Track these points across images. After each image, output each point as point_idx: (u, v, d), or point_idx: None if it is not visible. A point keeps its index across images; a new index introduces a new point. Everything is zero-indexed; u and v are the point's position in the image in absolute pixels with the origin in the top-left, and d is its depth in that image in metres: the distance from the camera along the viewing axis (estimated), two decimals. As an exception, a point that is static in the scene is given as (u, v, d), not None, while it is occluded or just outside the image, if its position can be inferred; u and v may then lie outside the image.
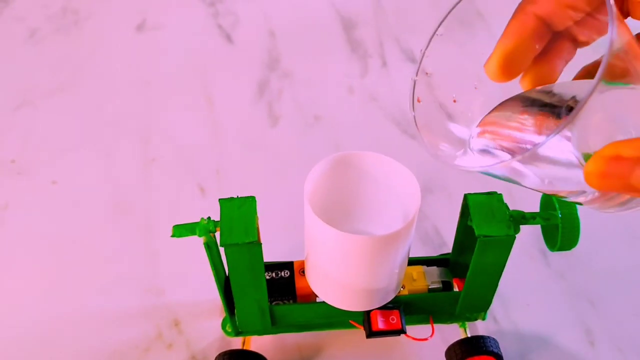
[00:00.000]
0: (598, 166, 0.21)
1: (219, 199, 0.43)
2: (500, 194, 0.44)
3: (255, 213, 0.42)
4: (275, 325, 0.47)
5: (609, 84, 0.22)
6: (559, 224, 0.42)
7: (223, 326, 0.50)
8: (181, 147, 0.69)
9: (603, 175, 0.21)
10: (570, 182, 0.25)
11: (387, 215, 0.45)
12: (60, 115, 0.72)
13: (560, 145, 0.23)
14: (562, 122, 0.21)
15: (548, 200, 0.44)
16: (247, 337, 0.49)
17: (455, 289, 0.49)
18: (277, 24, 0.83)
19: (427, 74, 0.32)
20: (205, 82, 0.76)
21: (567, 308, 0.54)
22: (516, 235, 0.41)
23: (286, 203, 0.61)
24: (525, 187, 0.27)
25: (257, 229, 0.42)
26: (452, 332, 0.51)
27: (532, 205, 0.47)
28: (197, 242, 0.54)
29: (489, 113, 0.33)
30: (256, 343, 0.50)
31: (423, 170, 0.69)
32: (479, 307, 0.48)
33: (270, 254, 0.51)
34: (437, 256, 0.50)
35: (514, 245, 0.43)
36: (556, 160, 0.24)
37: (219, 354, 0.47)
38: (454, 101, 0.33)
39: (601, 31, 0.27)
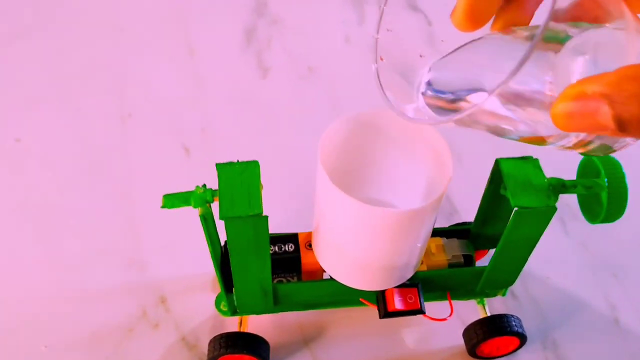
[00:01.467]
0: (563, 106, 0.21)
1: (217, 164, 0.37)
2: (537, 159, 0.38)
3: (259, 180, 0.36)
4: (277, 304, 0.42)
5: (577, 25, 0.22)
6: (604, 193, 0.37)
7: (217, 304, 0.44)
8: (161, 101, 0.62)
9: (569, 115, 0.20)
10: (549, 124, 0.22)
11: (408, 183, 0.40)
12: (21, 65, 0.64)
13: (535, 78, 0.22)
14: (529, 46, 0.20)
15: (588, 165, 0.39)
16: (244, 317, 0.44)
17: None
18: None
19: (387, 30, 0.31)
20: (185, 27, 0.69)
21: (589, 281, 0.50)
22: (544, 229, 0.37)
23: (282, 165, 0.55)
24: (507, 137, 0.25)
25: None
26: (469, 310, 0.46)
27: (566, 171, 0.42)
28: (184, 209, 0.48)
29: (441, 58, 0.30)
30: (253, 323, 0.45)
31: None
32: (502, 283, 0.43)
33: (270, 224, 0.45)
34: (456, 226, 0.45)
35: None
36: (532, 99, 0.23)
37: (214, 337, 0.41)
38: (421, 56, 0.31)
39: None
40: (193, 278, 0.49)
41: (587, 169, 0.39)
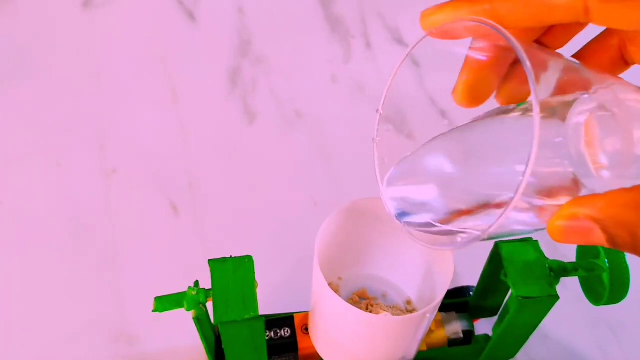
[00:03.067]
0: (559, 223, 0.21)
1: (209, 260, 0.36)
2: (536, 241, 0.38)
3: (254, 278, 0.35)
4: (275, 391, 0.41)
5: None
6: (604, 275, 0.37)
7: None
8: (145, 154, 0.60)
9: (564, 232, 0.21)
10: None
11: (407, 268, 0.39)
12: (-2, 118, 0.62)
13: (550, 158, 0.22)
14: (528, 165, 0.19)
15: (587, 246, 0.38)
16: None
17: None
18: None
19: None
20: (166, 70, 0.67)
21: (587, 337, 0.50)
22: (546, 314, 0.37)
23: (275, 223, 0.54)
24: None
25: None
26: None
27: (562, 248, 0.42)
28: (171, 275, 0.46)
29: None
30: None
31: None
32: (503, 358, 0.43)
33: (264, 300, 0.44)
34: (455, 300, 0.44)
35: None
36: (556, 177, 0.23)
37: None
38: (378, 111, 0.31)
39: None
40: (186, 351, 0.47)
41: (586, 248, 0.39)
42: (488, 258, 0.39)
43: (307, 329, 0.41)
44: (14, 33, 0.68)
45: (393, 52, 0.70)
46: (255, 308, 0.34)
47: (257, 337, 0.35)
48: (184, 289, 0.35)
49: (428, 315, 0.33)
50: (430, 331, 0.42)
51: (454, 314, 0.43)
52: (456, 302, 0.44)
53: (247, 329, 0.34)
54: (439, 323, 0.42)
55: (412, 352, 0.38)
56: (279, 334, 0.41)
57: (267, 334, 0.41)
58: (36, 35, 0.68)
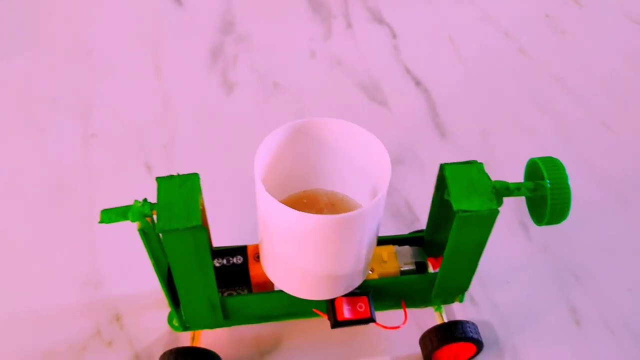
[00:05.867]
0: None
1: (156, 178, 0.37)
2: (481, 163, 0.38)
3: (199, 192, 0.36)
4: (228, 318, 0.42)
5: None
6: (547, 195, 0.37)
7: (170, 320, 0.44)
8: (125, 121, 0.62)
9: None
10: None
11: (352, 189, 0.39)
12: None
13: None
14: None
15: (534, 168, 0.39)
16: (197, 332, 0.44)
17: (431, 269, 0.44)
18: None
19: None
20: (153, 50, 0.69)
21: (551, 284, 0.50)
22: (489, 233, 0.37)
23: (242, 180, 0.55)
24: None
25: (203, 211, 0.36)
26: (427, 317, 0.46)
27: (514, 174, 0.42)
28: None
29: None
30: (208, 338, 0.44)
31: (393, 139, 0.64)
32: (456, 290, 0.43)
33: (222, 239, 0.45)
34: (409, 234, 0.45)
35: (492, 218, 0.38)
36: None
37: (164, 353, 0.41)
38: None
39: None
40: (149, 296, 0.48)
41: (533, 172, 0.39)
42: (436, 182, 0.40)
43: (259, 257, 0.41)
44: (7, 11, 0.71)
45: (373, 31, 0.72)
46: (198, 218, 0.35)
47: (200, 249, 0.35)
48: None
49: (368, 216, 0.34)
50: (383, 262, 0.43)
51: (407, 247, 0.43)
52: (410, 237, 0.44)
53: (190, 238, 0.35)
54: (392, 255, 0.43)
55: (361, 265, 0.38)
56: (231, 261, 0.42)
57: (218, 261, 0.42)
58: (29, 13, 0.71)
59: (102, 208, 0.54)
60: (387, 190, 0.34)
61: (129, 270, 0.50)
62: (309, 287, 0.38)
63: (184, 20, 0.73)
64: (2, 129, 0.61)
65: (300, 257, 0.36)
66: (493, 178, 0.37)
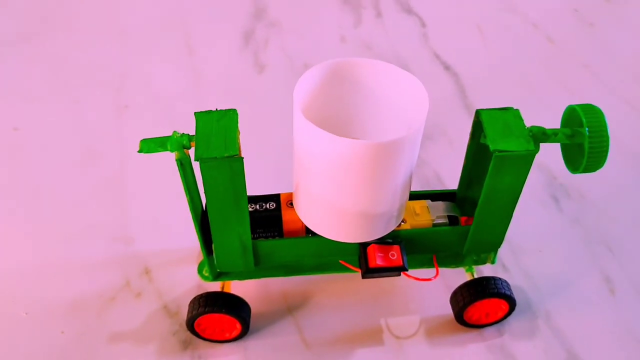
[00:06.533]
0: None
1: (195, 112, 0.37)
2: (517, 109, 0.38)
3: (237, 126, 0.36)
4: (258, 265, 0.41)
5: None
6: (585, 142, 0.37)
7: (200, 270, 0.44)
8: (157, 95, 0.63)
9: None
10: None
11: (389, 131, 0.39)
12: (24, 63, 0.66)
13: None
14: None
15: (572, 115, 0.38)
16: (227, 283, 0.43)
17: (462, 227, 0.43)
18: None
19: None
20: (185, 31, 0.71)
21: (583, 255, 0.49)
22: (525, 179, 0.36)
23: (267, 155, 0.56)
24: None
25: (239, 144, 0.37)
26: (458, 278, 0.45)
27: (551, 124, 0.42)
28: (170, 187, 0.48)
29: None
30: (237, 289, 0.44)
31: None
32: (489, 245, 0.42)
33: (254, 189, 0.45)
34: (442, 190, 0.44)
35: (523, 191, 0.38)
36: None
37: (194, 297, 0.41)
38: None
39: None
40: (178, 252, 0.48)
41: (570, 119, 0.39)
42: (471, 130, 0.40)
43: (291, 204, 0.41)
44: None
45: (402, 20, 0.73)
46: (236, 148, 0.35)
47: (237, 180, 0.36)
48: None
49: (405, 145, 0.33)
50: (415, 214, 0.42)
51: (440, 202, 0.43)
52: (443, 192, 0.44)
53: (227, 168, 0.35)
54: (425, 209, 0.42)
55: (395, 208, 0.37)
56: (264, 207, 0.42)
57: (252, 207, 0.42)
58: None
59: (132, 172, 0.56)
60: (424, 122, 0.34)
61: (158, 230, 0.50)
62: (344, 228, 0.38)
63: (218, 6, 0.74)
64: (40, 99, 0.62)
65: (336, 192, 0.36)
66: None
